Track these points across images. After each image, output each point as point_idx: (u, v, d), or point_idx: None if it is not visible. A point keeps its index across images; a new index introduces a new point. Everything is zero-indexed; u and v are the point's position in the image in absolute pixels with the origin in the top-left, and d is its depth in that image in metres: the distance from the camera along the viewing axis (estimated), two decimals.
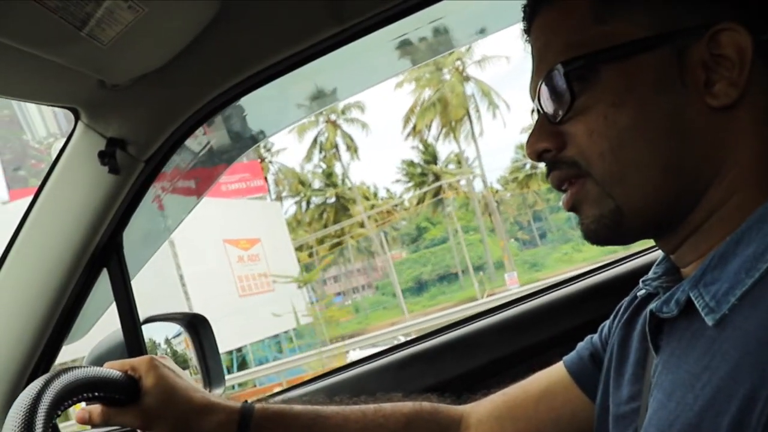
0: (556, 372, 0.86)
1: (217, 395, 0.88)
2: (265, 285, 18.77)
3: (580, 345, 0.86)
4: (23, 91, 0.89)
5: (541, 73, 0.62)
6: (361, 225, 36.77)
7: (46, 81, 0.87)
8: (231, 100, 1.00)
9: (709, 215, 0.58)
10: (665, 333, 0.60)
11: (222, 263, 17.15)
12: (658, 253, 0.68)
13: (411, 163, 38.94)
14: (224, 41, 0.93)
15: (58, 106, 0.96)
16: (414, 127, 36.08)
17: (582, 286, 1.35)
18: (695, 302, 0.55)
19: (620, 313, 0.77)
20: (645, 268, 0.71)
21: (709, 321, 0.53)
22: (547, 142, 0.62)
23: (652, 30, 0.57)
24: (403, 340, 1.46)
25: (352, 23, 0.93)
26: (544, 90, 0.61)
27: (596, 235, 0.61)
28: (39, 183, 1.05)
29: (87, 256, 1.07)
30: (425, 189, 37.11)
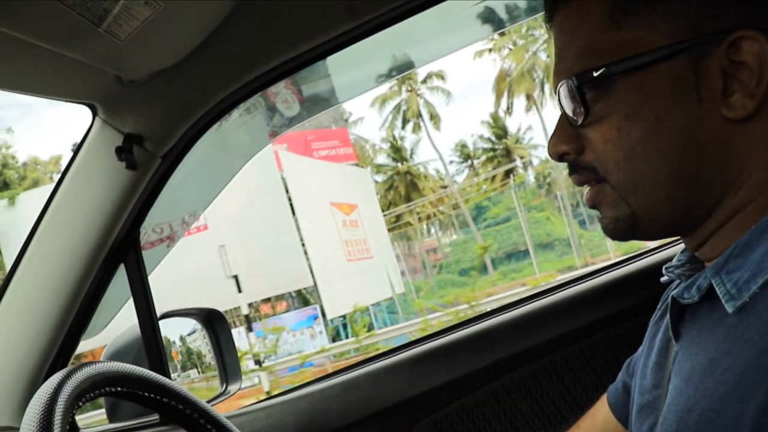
0: (603, 406, 0.86)
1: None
2: (365, 252, 18.34)
3: (620, 373, 0.85)
4: (41, 87, 0.89)
5: (559, 75, 0.62)
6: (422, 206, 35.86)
7: (64, 77, 0.88)
8: (248, 95, 1.00)
9: (727, 219, 0.58)
10: (687, 320, 0.60)
11: (330, 227, 16.56)
12: (681, 245, 0.67)
13: (472, 140, 37.60)
14: (240, 37, 0.93)
15: (76, 102, 0.96)
16: (506, 97, 34.19)
17: (601, 281, 1.34)
18: (716, 289, 0.54)
19: (654, 315, 0.76)
20: (666, 263, 0.70)
21: (729, 308, 0.52)
22: (567, 145, 0.62)
23: (670, 37, 0.55)
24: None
25: (367, 19, 0.93)
26: (563, 93, 0.61)
27: (614, 235, 0.63)
28: None
29: (104, 252, 1.08)
30: (504, 167, 35.22)
